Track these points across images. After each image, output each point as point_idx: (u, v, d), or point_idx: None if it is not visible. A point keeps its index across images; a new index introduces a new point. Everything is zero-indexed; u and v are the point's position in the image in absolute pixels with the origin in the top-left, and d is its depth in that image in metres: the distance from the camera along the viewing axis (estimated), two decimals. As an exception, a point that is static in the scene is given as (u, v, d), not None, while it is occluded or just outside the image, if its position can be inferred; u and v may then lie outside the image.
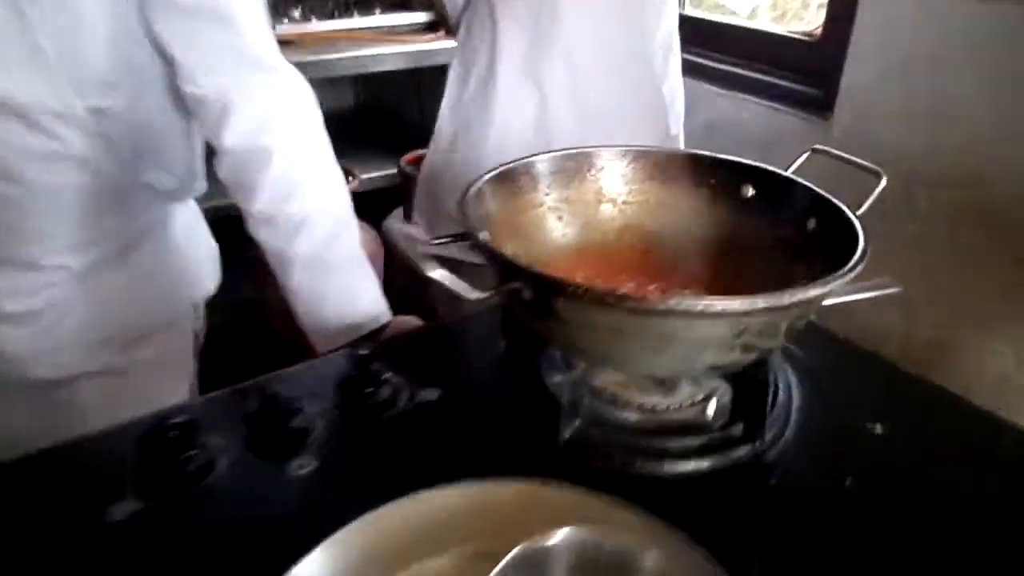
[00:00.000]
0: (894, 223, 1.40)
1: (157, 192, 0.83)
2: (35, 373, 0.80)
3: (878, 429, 0.65)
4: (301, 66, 1.83)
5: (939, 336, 1.40)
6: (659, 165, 0.76)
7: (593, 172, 0.75)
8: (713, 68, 1.68)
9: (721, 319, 0.50)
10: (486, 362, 0.72)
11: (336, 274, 0.80)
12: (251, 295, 1.81)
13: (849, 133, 1.45)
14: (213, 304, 1.02)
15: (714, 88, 1.67)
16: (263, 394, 0.63)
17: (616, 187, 0.76)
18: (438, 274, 0.50)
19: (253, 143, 0.75)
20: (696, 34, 1.76)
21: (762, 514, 0.58)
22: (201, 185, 0.91)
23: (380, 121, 2.43)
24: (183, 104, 0.78)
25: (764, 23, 2.04)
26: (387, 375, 0.68)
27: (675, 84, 1.32)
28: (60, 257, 0.76)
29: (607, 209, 0.76)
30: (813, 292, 0.50)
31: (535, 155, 0.71)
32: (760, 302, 0.48)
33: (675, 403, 0.64)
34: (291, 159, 0.77)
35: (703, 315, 0.48)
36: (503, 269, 0.53)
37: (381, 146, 2.18)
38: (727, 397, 0.64)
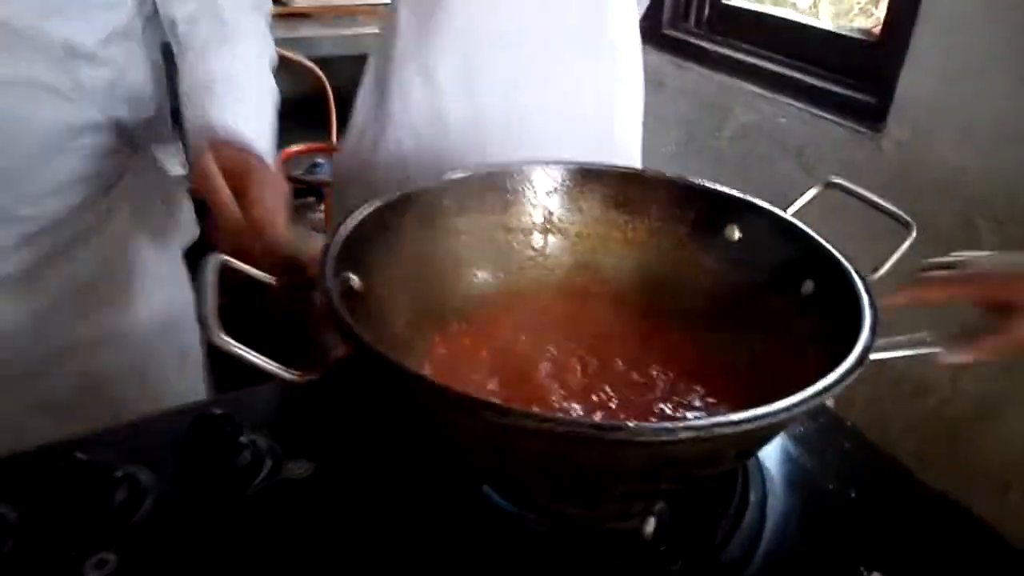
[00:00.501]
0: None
1: (126, 130, 0.75)
2: (34, 350, 0.73)
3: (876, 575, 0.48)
4: (314, 41, 1.71)
5: (988, 393, 1.19)
6: (625, 191, 0.59)
7: (534, 195, 0.59)
8: (751, 64, 1.48)
9: (628, 447, 0.33)
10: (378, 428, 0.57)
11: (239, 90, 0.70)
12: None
13: (904, 150, 1.24)
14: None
15: (751, 87, 1.48)
16: (68, 460, 0.49)
17: (567, 215, 0.60)
18: (233, 348, 0.35)
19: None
20: (735, 25, 1.57)
21: None
22: (167, 132, 0.83)
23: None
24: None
25: (823, 18, 1.83)
26: (246, 438, 0.54)
27: (632, 90, 0.94)
28: (40, 205, 0.69)
29: (555, 243, 0.60)
30: (754, 423, 0.33)
31: (452, 173, 0.56)
32: (683, 433, 0.32)
33: (601, 517, 0.48)
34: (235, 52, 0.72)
35: (595, 443, 0.32)
36: (344, 336, 0.38)
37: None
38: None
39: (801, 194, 0.59)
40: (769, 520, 0.50)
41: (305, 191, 1.77)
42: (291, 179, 1.71)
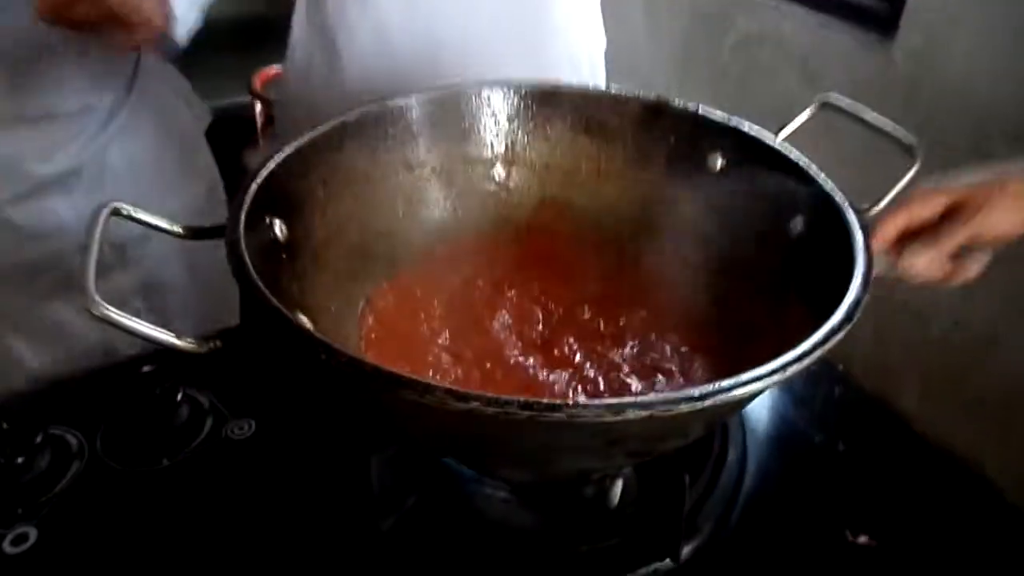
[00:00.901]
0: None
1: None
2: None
3: (862, 539, 0.44)
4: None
5: (991, 323, 1.14)
6: (595, 115, 0.53)
7: (495, 121, 0.52)
8: (754, -32, 1.37)
9: (574, 428, 0.28)
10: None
11: None
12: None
13: (918, 60, 1.15)
14: None
15: (754, -7, 1.37)
16: (-8, 423, 0.45)
17: (532, 144, 0.54)
18: (114, 316, 0.30)
19: None
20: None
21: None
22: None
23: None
24: None
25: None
26: (183, 396, 0.50)
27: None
28: (81, 98, 0.68)
29: (520, 176, 0.54)
30: (724, 397, 0.28)
31: (399, 97, 0.49)
32: (631, 412, 0.27)
33: (562, 481, 0.44)
34: None
35: (517, 423, 0.27)
36: (251, 300, 0.33)
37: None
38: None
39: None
40: (748, 480, 0.46)
41: (286, 115, 1.69)
42: (268, 102, 1.63)
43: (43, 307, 0.72)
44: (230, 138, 1.69)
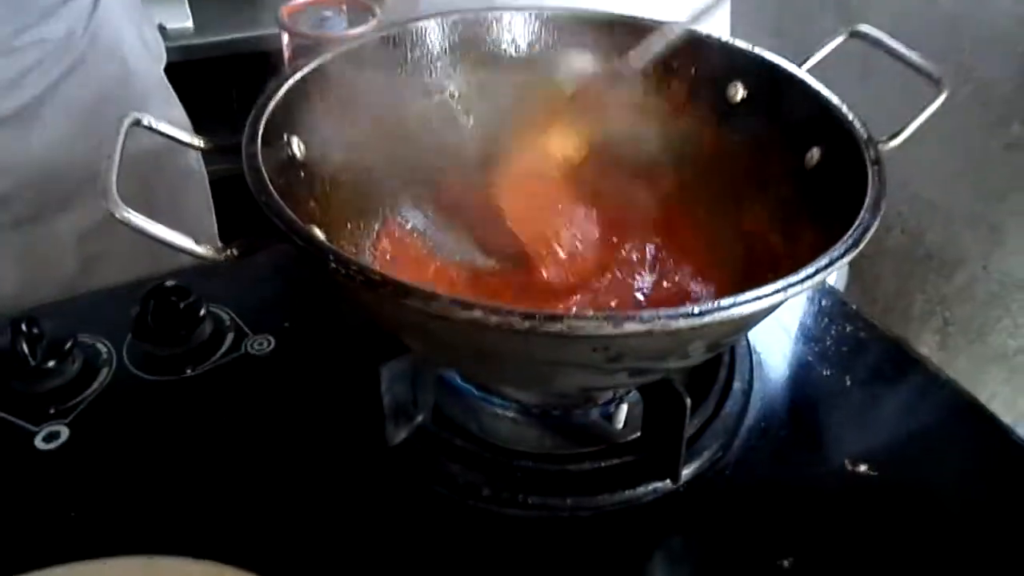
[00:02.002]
0: (995, 124, 1.10)
1: None
2: (56, 187, 0.73)
3: (862, 468, 0.44)
4: None
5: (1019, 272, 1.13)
6: (620, 42, 0.52)
7: (515, 48, 0.52)
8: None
9: (574, 341, 0.29)
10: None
11: None
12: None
13: (961, -1, 1.11)
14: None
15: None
16: (21, 329, 0.47)
17: (555, 71, 0.53)
18: (132, 218, 0.31)
19: None
20: None
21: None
22: None
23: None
24: None
25: None
26: (206, 311, 0.51)
27: None
28: (33, 32, 0.68)
29: (542, 103, 0.54)
30: (723, 314, 0.28)
31: (420, 19, 0.49)
32: (629, 325, 0.28)
33: (568, 404, 0.45)
34: None
35: (518, 333, 0.28)
36: (263, 206, 0.34)
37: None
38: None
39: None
40: (752, 409, 0.47)
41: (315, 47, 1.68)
42: (296, 34, 1.63)
43: (6, 236, 0.72)
44: (260, 68, 1.69)
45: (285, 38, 1.68)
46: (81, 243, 0.77)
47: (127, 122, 0.37)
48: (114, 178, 0.33)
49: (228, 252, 0.33)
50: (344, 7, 1.78)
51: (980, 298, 1.22)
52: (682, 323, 0.28)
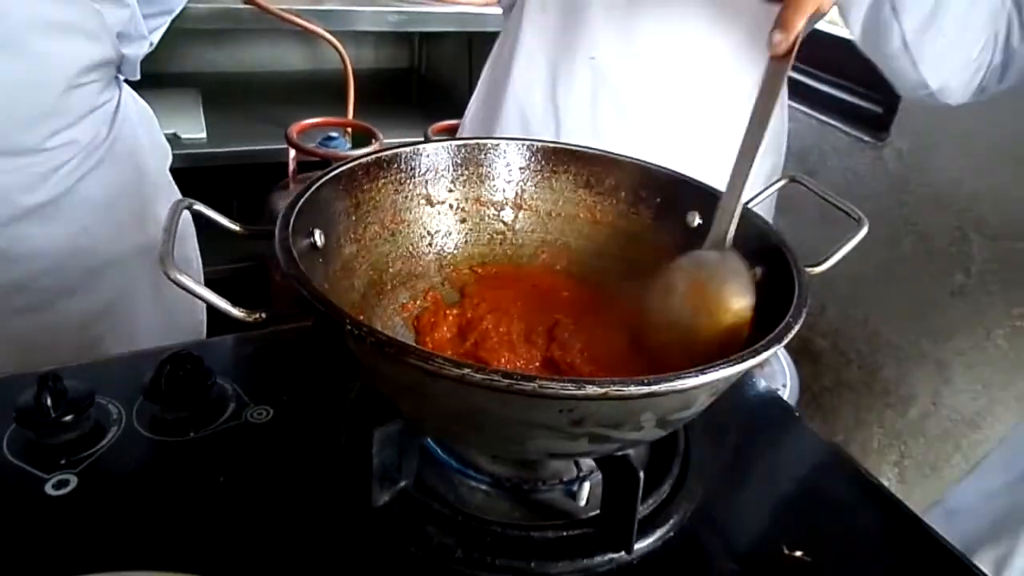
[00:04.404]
0: (941, 273, 1.21)
1: (125, 65, 0.83)
2: (70, 275, 0.79)
3: (798, 553, 0.49)
4: (336, 15, 1.72)
5: (971, 410, 1.20)
6: (596, 173, 0.61)
7: (509, 171, 0.61)
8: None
9: (539, 400, 0.35)
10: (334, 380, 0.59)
11: None
12: (252, 251, 1.76)
13: (904, 161, 1.25)
14: (215, 258, 1.00)
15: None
16: (47, 384, 0.52)
17: (538, 192, 0.62)
18: (184, 281, 0.37)
19: None
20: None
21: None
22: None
23: (425, 86, 2.32)
24: None
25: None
26: (212, 381, 0.57)
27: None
28: (69, 134, 0.75)
29: (525, 219, 0.62)
30: (669, 385, 0.35)
31: (426, 142, 0.58)
32: (590, 388, 0.34)
33: (537, 479, 0.50)
34: None
35: (498, 391, 0.34)
36: (291, 279, 0.40)
37: (419, 112, 2.08)
38: (605, 482, 0.50)
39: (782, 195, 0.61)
40: (700, 496, 0.52)
41: (317, 164, 1.80)
42: (302, 150, 1.75)
43: (15, 322, 0.78)
44: (264, 178, 1.81)
45: (292, 153, 1.81)
46: (82, 328, 0.82)
47: (182, 206, 0.44)
48: (171, 248, 0.39)
49: (257, 316, 0.40)
50: (349, 130, 1.92)
51: (933, 433, 1.29)
52: (633, 390, 0.35)
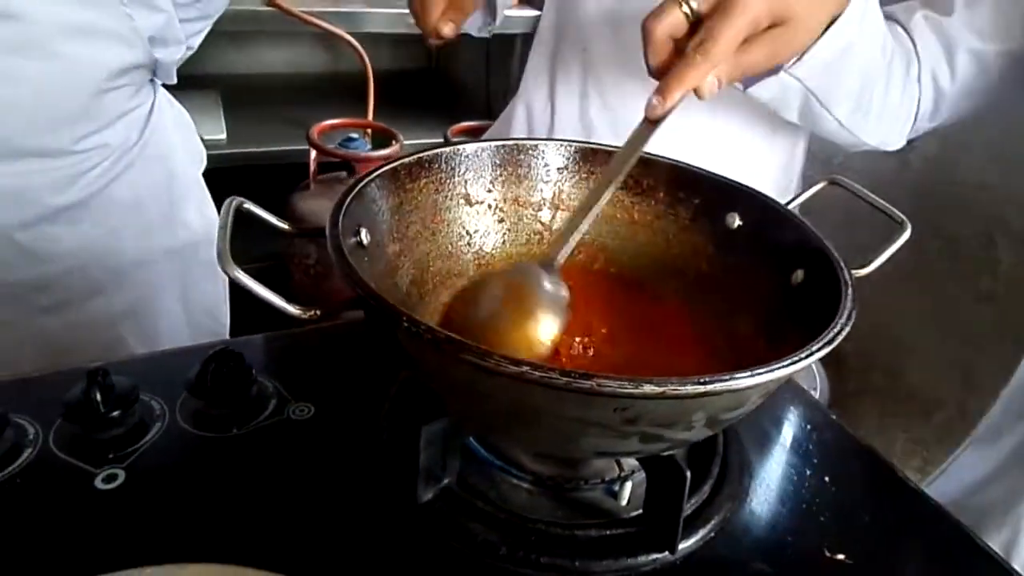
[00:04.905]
0: (968, 277, 1.20)
1: (159, 69, 0.83)
2: (97, 275, 0.80)
3: (840, 557, 0.49)
4: (357, 16, 1.73)
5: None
6: (635, 174, 0.61)
7: (547, 171, 0.61)
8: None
9: (595, 399, 0.36)
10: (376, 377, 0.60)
11: None
12: (272, 250, 1.77)
13: (931, 166, 1.24)
14: (236, 258, 0.97)
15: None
16: (96, 379, 0.52)
17: (576, 193, 0.62)
18: (242, 278, 0.38)
19: None
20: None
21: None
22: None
23: (444, 87, 2.33)
24: None
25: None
26: (254, 378, 0.57)
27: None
28: (95, 138, 0.75)
29: (563, 219, 0.62)
30: (724, 384, 0.35)
31: (465, 142, 0.58)
32: (647, 387, 0.34)
33: (579, 478, 0.51)
34: None
35: (555, 388, 0.34)
36: (347, 277, 0.41)
37: (438, 113, 2.09)
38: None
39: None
40: (745, 497, 0.52)
41: (337, 165, 1.81)
42: (323, 151, 1.76)
43: (40, 321, 0.78)
44: (285, 179, 1.82)
45: (312, 154, 1.82)
46: (107, 328, 0.83)
47: (234, 205, 0.44)
48: (227, 244, 0.40)
49: (312, 313, 0.40)
50: (369, 132, 1.93)
51: (957, 440, 1.28)
52: (690, 389, 0.35)
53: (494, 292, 0.50)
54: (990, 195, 1.15)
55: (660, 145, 0.80)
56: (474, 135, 1.87)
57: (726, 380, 0.35)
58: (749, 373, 0.36)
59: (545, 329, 0.47)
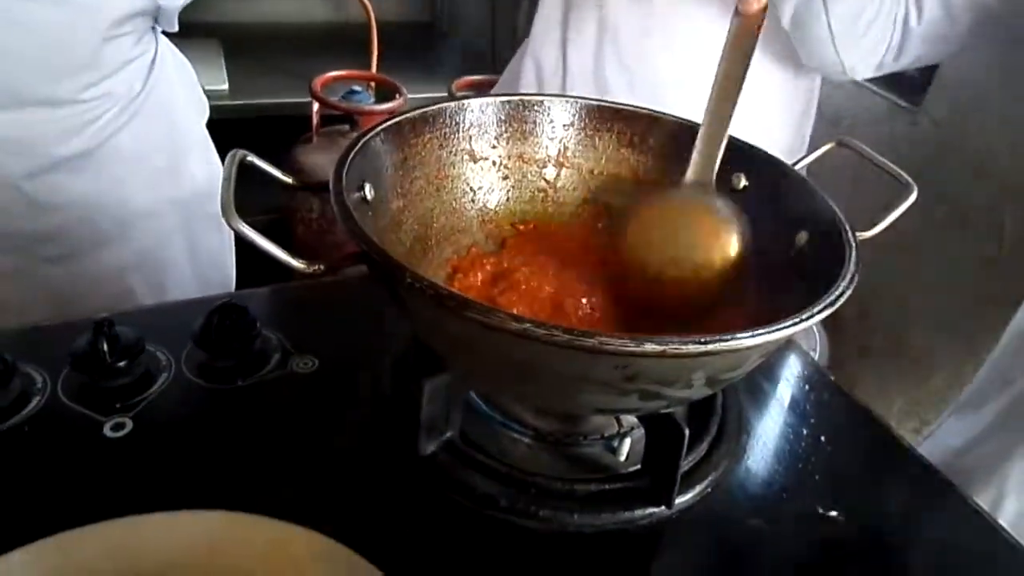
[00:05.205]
0: (972, 243, 1.20)
1: (161, 15, 0.82)
2: (101, 220, 0.80)
3: (832, 513, 0.50)
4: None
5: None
6: (640, 132, 0.61)
7: (552, 128, 0.61)
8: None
9: (597, 356, 0.36)
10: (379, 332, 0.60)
11: None
12: (275, 203, 1.76)
13: (941, 127, 1.23)
14: (240, 211, 0.98)
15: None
16: (103, 330, 0.53)
17: (581, 151, 0.62)
18: (246, 231, 0.38)
19: None
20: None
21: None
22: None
23: (448, 40, 2.29)
24: None
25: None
26: (258, 331, 0.58)
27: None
28: (105, 86, 0.75)
29: (567, 177, 0.62)
30: (724, 344, 0.35)
31: (475, 99, 0.57)
32: (648, 345, 0.35)
33: (578, 433, 0.51)
34: None
35: (557, 345, 0.35)
36: (351, 233, 0.41)
37: (442, 66, 2.06)
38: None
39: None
40: (741, 456, 0.53)
41: (340, 118, 1.79)
42: (326, 103, 1.74)
43: (46, 271, 0.79)
44: (287, 131, 1.81)
45: (315, 106, 1.79)
46: (114, 279, 0.83)
47: (238, 157, 0.44)
48: (231, 196, 0.40)
49: (316, 267, 0.40)
50: (372, 84, 1.91)
51: (954, 404, 1.29)
52: (691, 348, 0.35)
53: (672, 219, 0.53)
54: (997, 160, 1.14)
55: (673, 100, 0.80)
56: (479, 89, 1.84)
57: (726, 340, 0.36)
58: (749, 334, 0.36)
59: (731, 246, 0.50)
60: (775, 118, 0.94)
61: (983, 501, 0.63)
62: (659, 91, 0.85)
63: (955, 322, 1.23)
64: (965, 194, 1.19)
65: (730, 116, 0.52)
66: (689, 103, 0.79)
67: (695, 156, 0.54)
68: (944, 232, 1.23)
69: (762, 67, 0.89)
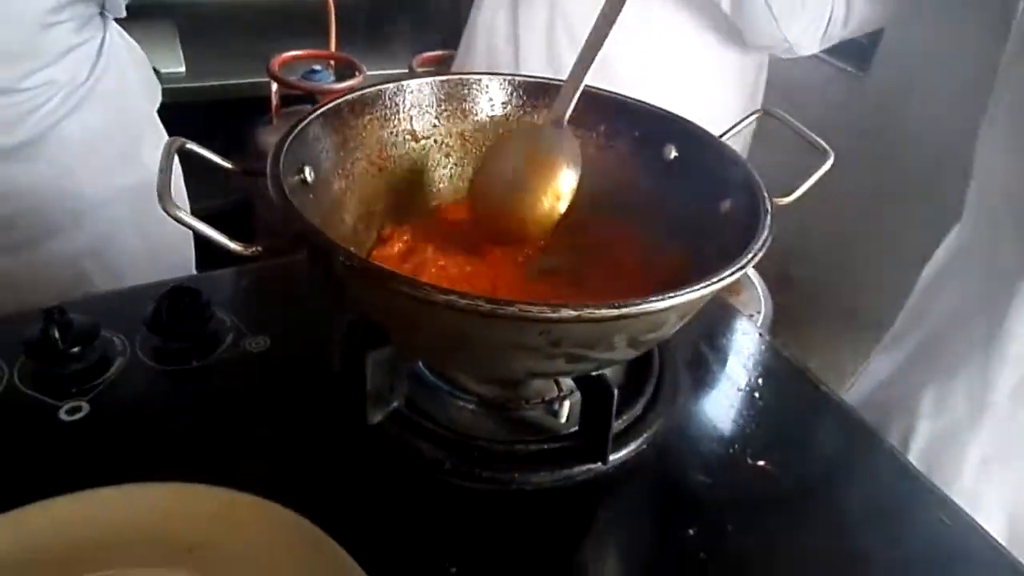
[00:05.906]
0: (914, 202, 1.24)
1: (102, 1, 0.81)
2: (53, 210, 0.80)
3: (761, 463, 0.54)
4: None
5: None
6: (577, 108, 0.62)
7: (491, 106, 0.62)
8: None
9: (520, 323, 0.38)
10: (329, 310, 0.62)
11: None
12: (241, 185, 1.75)
13: (886, 95, 1.26)
14: (200, 195, 0.99)
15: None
16: (53, 318, 0.54)
17: (521, 127, 0.64)
18: (183, 216, 0.40)
19: None
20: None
21: (589, 550, 0.48)
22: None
23: (409, 16, 2.27)
24: None
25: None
26: (211, 312, 0.59)
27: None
28: (49, 73, 0.75)
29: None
30: (637, 308, 0.38)
31: (410, 77, 0.59)
32: (564, 312, 0.37)
33: (520, 398, 0.54)
34: None
35: (480, 315, 0.37)
36: (284, 212, 0.43)
37: (404, 42, 2.05)
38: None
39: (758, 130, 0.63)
40: (673, 412, 0.56)
41: (300, 98, 1.79)
42: (285, 84, 1.73)
43: (6, 260, 0.79)
44: (247, 113, 1.79)
45: (274, 87, 1.78)
46: (69, 267, 0.84)
47: (175, 145, 0.45)
48: (169, 185, 0.41)
49: (253, 249, 0.42)
50: (332, 63, 1.90)
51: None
52: (605, 312, 0.38)
53: (512, 156, 0.56)
54: (942, 126, 1.17)
55: (623, 75, 0.82)
56: (440, 65, 1.85)
57: (639, 304, 0.38)
58: (661, 297, 0.39)
59: (567, 181, 0.53)
60: (727, 93, 0.96)
61: (896, 431, 0.68)
62: (610, 72, 0.87)
63: (900, 283, 1.28)
64: (907, 160, 1.22)
65: (591, 62, 0.54)
66: (637, 79, 0.82)
67: (559, 96, 0.56)
68: (891, 195, 1.27)
69: (711, 46, 0.92)
